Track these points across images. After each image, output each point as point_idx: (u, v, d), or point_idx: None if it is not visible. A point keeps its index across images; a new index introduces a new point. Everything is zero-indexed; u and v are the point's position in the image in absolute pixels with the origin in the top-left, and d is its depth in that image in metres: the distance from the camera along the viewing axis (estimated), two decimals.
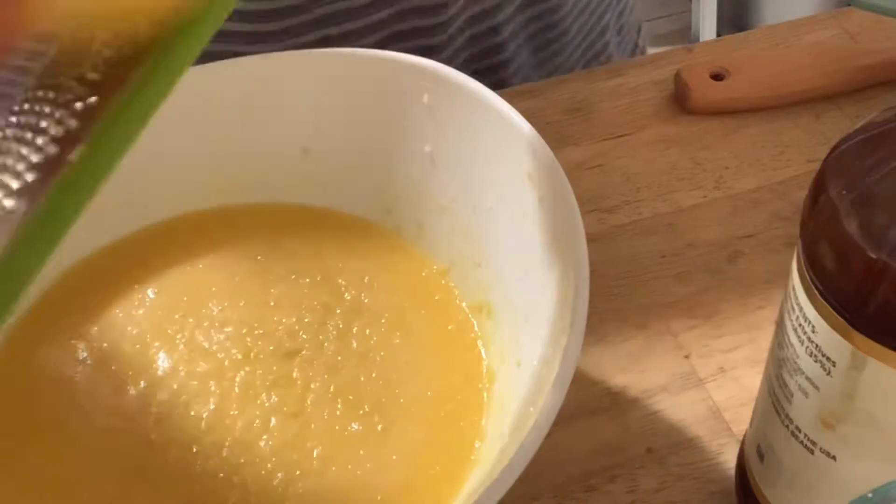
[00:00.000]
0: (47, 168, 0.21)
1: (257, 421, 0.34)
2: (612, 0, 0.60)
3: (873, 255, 0.23)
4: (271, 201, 0.42)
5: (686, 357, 0.39)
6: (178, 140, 0.39)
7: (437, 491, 0.32)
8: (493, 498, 0.25)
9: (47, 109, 0.21)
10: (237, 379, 0.36)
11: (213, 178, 0.41)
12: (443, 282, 0.39)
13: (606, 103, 0.50)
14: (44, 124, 0.21)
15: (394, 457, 0.33)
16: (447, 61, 0.53)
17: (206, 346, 0.37)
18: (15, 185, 0.21)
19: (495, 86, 0.54)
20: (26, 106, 0.22)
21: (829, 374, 0.26)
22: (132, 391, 0.36)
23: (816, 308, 0.25)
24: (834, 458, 0.27)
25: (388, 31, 0.51)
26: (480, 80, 0.48)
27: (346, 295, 0.38)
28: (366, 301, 0.38)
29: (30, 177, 0.21)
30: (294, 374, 0.36)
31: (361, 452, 0.33)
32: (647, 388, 0.38)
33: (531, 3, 0.55)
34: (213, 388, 0.35)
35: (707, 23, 1.70)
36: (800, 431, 0.28)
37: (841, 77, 0.49)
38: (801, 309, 0.26)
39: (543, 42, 0.57)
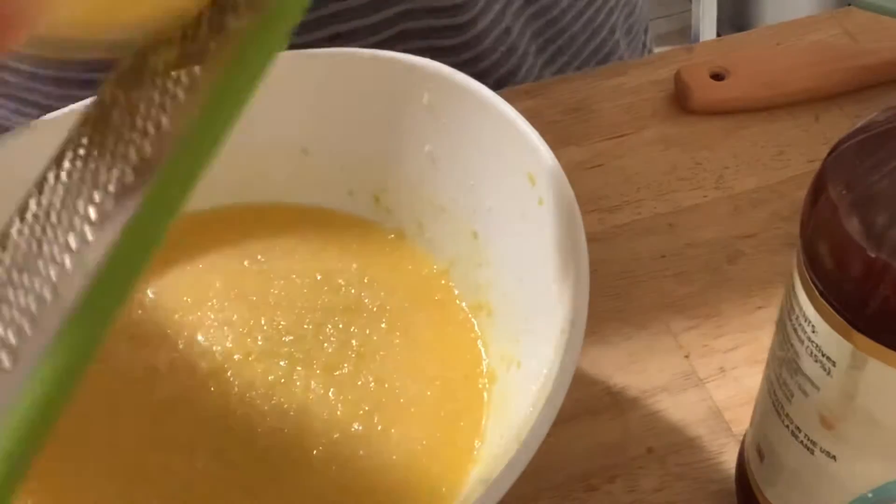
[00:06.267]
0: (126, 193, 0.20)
1: (258, 421, 0.34)
2: None
3: (873, 255, 0.23)
4: (271, 201, 0.42)
5: (686, 357, 0.39)
6: None
7: (437, 491, 0.32)
8: (493, 498, 0.25)
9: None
10: (237, 379, 0.36)
11: (212, 177, 0.40)
12: (443, 282, 0.39)
13: (606, 103, 0.50)
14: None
15: (394, 457, 0.33)
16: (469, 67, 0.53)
17: (206, 346, 0.37)
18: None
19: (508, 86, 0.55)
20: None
21: (829, 374, 0.26)
22: (132, 391, 0.36)
23: (816, 308, 0.25)
24: (834, 457, 0.27)
25: (397, 29, 0.51)
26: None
27: (346, 295, 0.38)
28: (366, 301, 0.38)
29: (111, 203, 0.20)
30: (294, 375, 0.36)
31: (361, 452, 0.33)
32: (647, 388, 0.38)
33: (529, 1, 0.55)
34: (212, 389, 0.35)
35: (707, 23, 1.70)
36: (800, 431, 0.28)
37: (841, 77, 0.49)
38: (801, 309, 0.26)
39: (547, 40, 0.57)
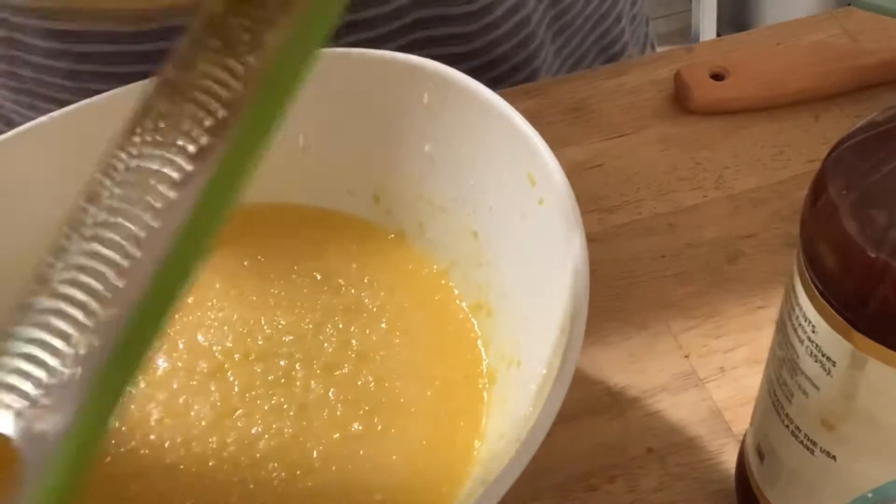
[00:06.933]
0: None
1: (258, 421, 0.34)
2: None
3: (873, 255, 0.23)
4: (271, 201, 0.42)
5: (686, 357, 0.39)
6: None
7: (437, 491, 0.32)
8: (494, 498, 0.25)
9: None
10: (237, 379, 0.36)
11: None
12: (443, 282, 0.39)
13: (606, 103, 0.50)
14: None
15: (394, 457, 0.33)
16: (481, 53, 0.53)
17: (206, 346, 0.37)
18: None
19: (528, 77, 0.55)
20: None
21: (829, 374, 0.26)
22: (132, 391, 0.36)
23: (816, 308, 0.25)
24: (834, 458, 0.27)
25: (413, 17, 0.51)
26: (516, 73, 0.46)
27: (346, 295, 0.38)
28: (366, 301, 0.38)
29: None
30: (294, 374, 0.36)
31: (361, 452, 0.33)
32: (647, 388, 0.38)
33: None
34: (213, 388, 0.35)
35: (707, 23, 1.71)
36: (800, 431, 0.28)
37: (841, 77, 0.49)
38: (801, 309, 0.26)
39: (559, 28, 0.57)
